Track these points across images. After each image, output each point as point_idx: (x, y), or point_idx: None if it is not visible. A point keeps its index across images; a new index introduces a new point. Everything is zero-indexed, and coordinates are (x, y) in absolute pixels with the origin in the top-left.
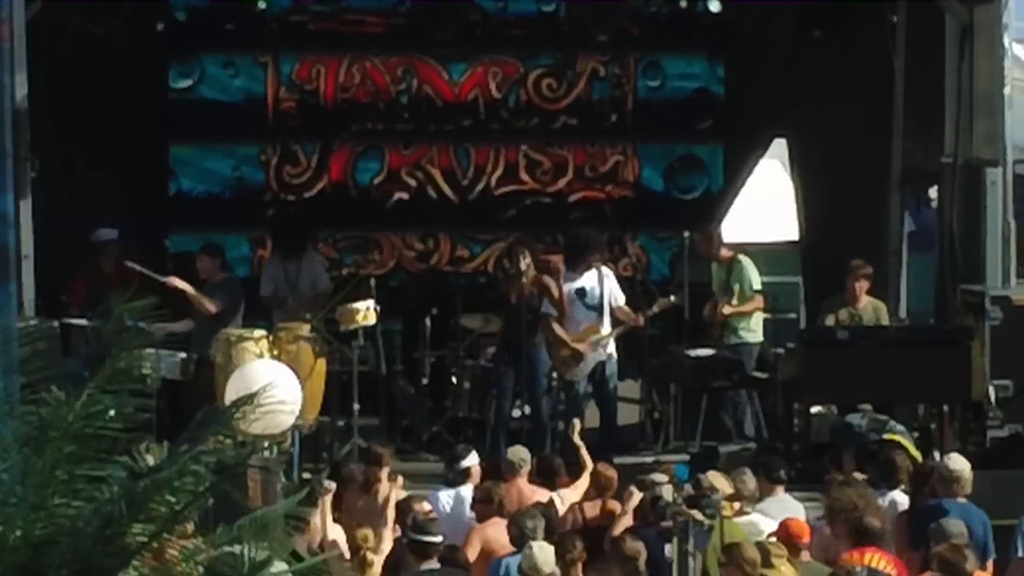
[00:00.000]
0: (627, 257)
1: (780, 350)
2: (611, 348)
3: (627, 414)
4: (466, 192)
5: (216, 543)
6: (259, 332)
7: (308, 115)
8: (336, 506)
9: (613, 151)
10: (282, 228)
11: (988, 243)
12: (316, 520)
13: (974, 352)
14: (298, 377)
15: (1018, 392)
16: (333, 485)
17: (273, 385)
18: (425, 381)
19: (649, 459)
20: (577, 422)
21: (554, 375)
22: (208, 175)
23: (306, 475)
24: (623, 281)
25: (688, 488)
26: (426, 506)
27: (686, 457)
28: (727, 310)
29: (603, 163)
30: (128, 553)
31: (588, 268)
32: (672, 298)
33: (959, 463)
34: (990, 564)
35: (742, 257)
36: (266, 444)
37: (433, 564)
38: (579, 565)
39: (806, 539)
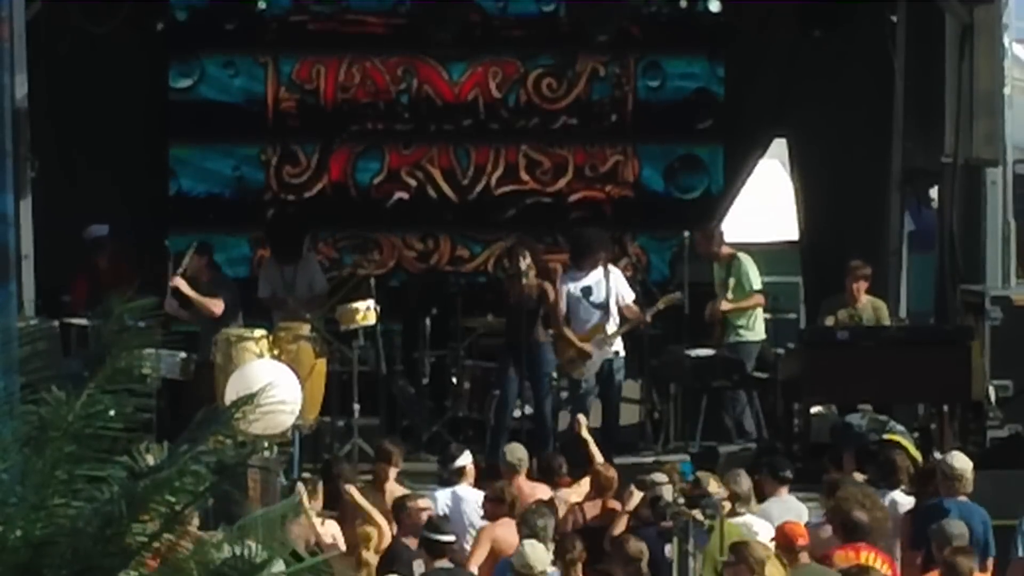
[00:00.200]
0: (627, 257)
1: (780, 350)
2: (618, 346)
3: (627, 414)
4: (466, 192)
5: (217, 543)
6: (259, 332)
7: (308, 115)
8: (332, 503)
9: (613, 151)
10: (278, 233)
11: (988, 243)
12: (303, 520)
13: (974, 352)
14: (298, 377)
15: (1018, 392)
16: (300, 486)
17: (273, 385)
18: (425, 381)
19: (649, 459)
20: (582, 418)
21: (554, 375)
22: (208, 175)
23: (306, 475)
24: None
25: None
26: (421, 504)
27: (686, 457)
28: (725, 306)
29: (603, 163)
30: (128, 553)
31: (594, 267)
32: (678, 294)
33: (961, 461)
34: (990, 563)
35: (742, 255)
36: (266, 444)
37: (446, 563)
38: (579, 565)
39: (803, 542)
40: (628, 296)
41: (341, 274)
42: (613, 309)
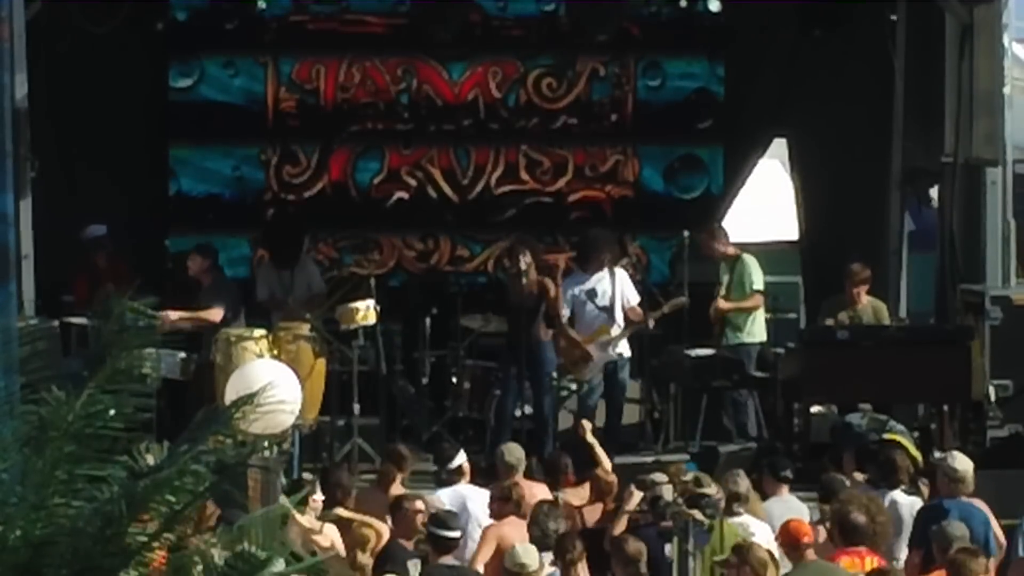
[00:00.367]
0: (627, 257)
1: (780, 350)
2: (623, 347)
3: (627, 414)
4: (466, 192)
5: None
6: (259, 332)
7: (308, 115)
8: (330, 508)
9: (613, 151)
10: (276, 237)
11: (988, 243)
12: (304, 521)
13: (974, 352)
14: (298, 377)
15: (1018, 392)
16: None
17: (273, 385)
18: (425, 381)
19: (649, 459)
20: (587, 423)
21: (554, 375)
22: (208, 175)
23: (306, 475)
24: None
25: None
26: (418, 505)
27: (686, 457)
28: (723, 305)
29: (603, 163)
30: (128, 553)
31: (599, 268)
32: (683, 299)
33: (964, 463)
34: (991, 564)
35: (747, 256)
36: (266, 444)
37: (451, 560)
38: (579, 565)
39: (808, 539)
40: (634, 298)
41: (341, 274)
42: (618, 311)
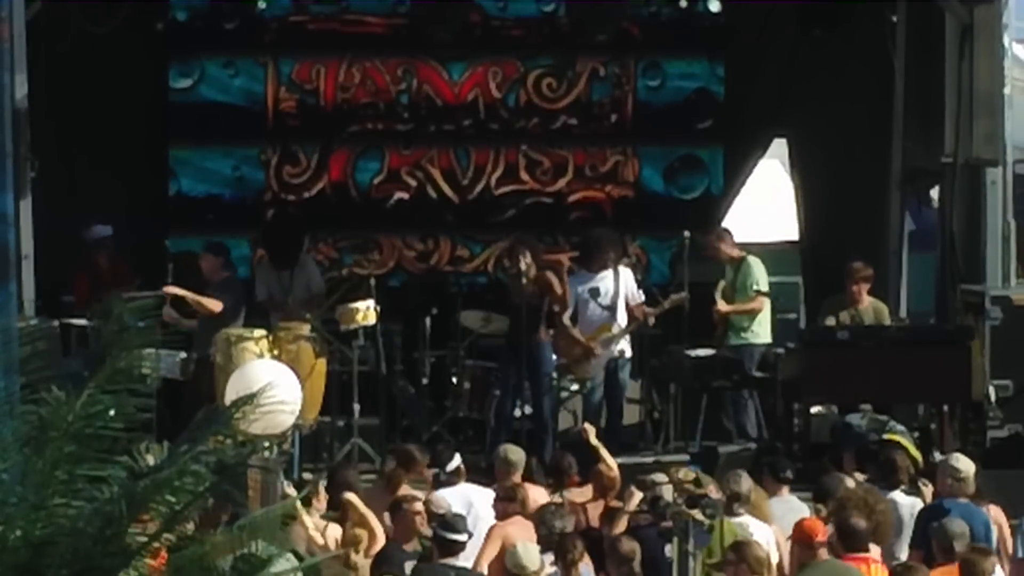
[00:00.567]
0: (627, 257)
1: (780, 350)
2: (625, 346)
3: (627, 414)
4: (466, 192)
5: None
6: (259, 332)
7: (308, 115)
8: (335, 509)
9: (613, 151)
10: (275, 239)
11: (988, 243)
12: (307, 521)
13: (974, 352)
14: (298, 377)
15: (1018, 392)
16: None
17: (273, 385)
18: (425, 381)
19: (649, 459)
20: (590, 426)
21: (554, 375)
22: (208, 175)
23: (307, 475)
24: None
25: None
26: (417, 507)
27: (686, 457)
28: (723, 307)
29: (603, 163)
30: (128, 553)
31: (603, 268)
32: (684, 294)
33: (965, 463)
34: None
35: (751, 258)
36: (266, 444)
37: (454, 561)
38: (579, 565)
39: (821, 537)
40: (639, 297)
41: (341, 274)
42: (621, 310)
